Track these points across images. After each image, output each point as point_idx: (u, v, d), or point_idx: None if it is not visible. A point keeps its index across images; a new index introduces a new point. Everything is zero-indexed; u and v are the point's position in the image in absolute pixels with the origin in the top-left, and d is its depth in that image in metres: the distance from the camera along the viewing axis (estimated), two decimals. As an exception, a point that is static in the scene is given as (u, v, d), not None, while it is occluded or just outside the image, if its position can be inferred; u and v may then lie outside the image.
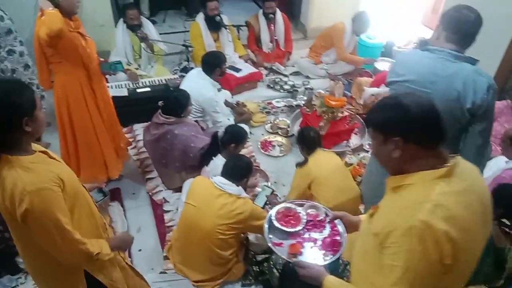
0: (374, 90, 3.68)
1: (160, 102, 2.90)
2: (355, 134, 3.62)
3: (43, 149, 1.45)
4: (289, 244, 1.74)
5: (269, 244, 1.75)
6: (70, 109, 2.56)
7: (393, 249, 1.04)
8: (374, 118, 1.18)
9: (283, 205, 1.96)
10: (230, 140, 2.78)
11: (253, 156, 3.37)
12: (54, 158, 1.46)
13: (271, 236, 1.80)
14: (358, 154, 3.35)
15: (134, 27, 3.89)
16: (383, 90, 3.69)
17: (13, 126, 1.31)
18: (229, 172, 2.31)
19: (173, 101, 2.87)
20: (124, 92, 3.66)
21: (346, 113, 3.44)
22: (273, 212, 1.91)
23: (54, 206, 1.33)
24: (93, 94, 2.61)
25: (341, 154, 3.41)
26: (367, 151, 3.47)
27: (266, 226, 1.85)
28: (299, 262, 1.48)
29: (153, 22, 5.33)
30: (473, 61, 1.69)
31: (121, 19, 3.93)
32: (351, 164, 3.09)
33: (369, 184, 2.17)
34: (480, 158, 1.75)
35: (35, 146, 1.42)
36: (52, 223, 1.33)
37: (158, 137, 2.87)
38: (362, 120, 3.58)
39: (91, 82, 2.57)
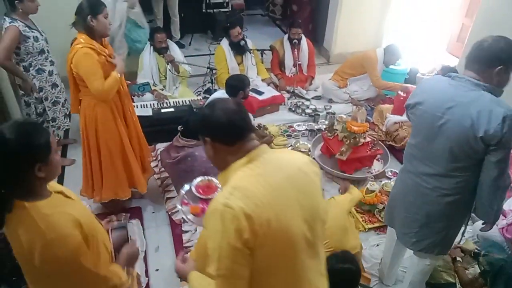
0: (398, 118, 3.65)
1: (180, 126, 2.94)
2: (377, 160, 3.57)
3: (59, 188, 1.41)
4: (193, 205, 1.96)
5: (178, 204, 1.99)
6: (98, 130, 2.57)
7: (207, 234, 1.17)
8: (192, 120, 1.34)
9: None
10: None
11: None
12: (70, 197, 1.41)
13: (185, 196, 2.02)
14: (380, 181, 3.30)
15: (161, 50, 4.02)
16: (406, 118, 3.66)
17: (25, 172, 1.24)
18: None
19: (193, 125, 2.89)
20: (148, 112, 3.74)
21: (368, 139, 3.41)
22: (197, 180, 2.16)
23: (76, 252, 1.28)
24: (122, 114, 2.66)
25: (362, 181, 3.37)
26: (390, 178, 3.41)
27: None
28: (184, 256, 1.55)
29: (181, 46, 5.54)
30: (494, 91, 1.66)
31: (149, 43, 4.07)
32: (372, 191, 3.03)
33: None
34: (495, 190, 1.71)
35: (51, 185, 1.37)
36: (77, 269, 1.30)
37: (178, 160, 2.90)
38: (384, 147, 3.54)
39: (121, 103, 2.62)
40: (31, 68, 3.12)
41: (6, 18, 2.89)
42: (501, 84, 1.68)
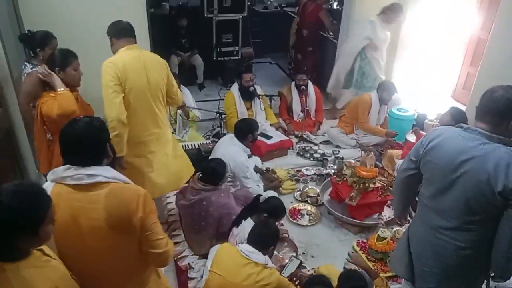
0: (406, 162, 3.62)
1: (198, 174, 2.97)
2: (388, 206, 3.50)
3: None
4: None
5: None
6: None
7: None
8: None
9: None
10: (265, 210, 2.77)
11: (282, 224, 3.29)
12: (49, 255, 1.36)
13: None
14: (392, 228, 3.21)
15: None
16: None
17: (6, 239, 1.19)
18: (255, 239, 2.26)
19: (211, 171, 2.92)
20: (158, 155, 3.77)
21: (378, 185, 3.37)
22: None
23: None
24: None
25: (373, 228, 3.29)
26: (401, 225, 3.32)
27: None
28: None
29: (202, 87, 5.91)
30: (509, 143, 1.64)
31: None
32: (384, 238, 2.95)
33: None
34: None
35: None
36: None
37: (194, 203, 2.88)
38: (394, 192, 3.48)
39: None
40: None
41: (27, 64, 2.94)
42: None
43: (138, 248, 1.58)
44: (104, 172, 1.51)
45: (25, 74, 2.94)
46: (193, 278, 2.77)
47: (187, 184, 3.03)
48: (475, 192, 1.64)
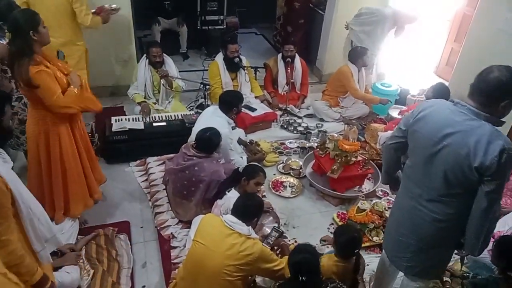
0: (390, 133, 3.67)
1: (193, 142, 2.99)
2: (368, 179, 3.59)
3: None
4: None
5: None
6: (62, 146, 2.46)
7: None
8: None
9: None
10: (243, 174, 2.80)
11: (264, 195, 3.34)
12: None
13: None
14: (371, 200, 3.30)
15: (156, 64, 4.02)
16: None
17: None
18: (239, 211, 2.27)
19: (207, 141, 2.94)
20: (140, 126, 3.72)
21: (360, 158, 3.42)
22: None
23: None
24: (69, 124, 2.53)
25: (353, 200, 3.37)
26: (380, 198, 3.41)
27: None
28: None
29: (186, 57, 5.80)
30: (496, 122, 1.65)
31: (144, 56, 4.08)
32: (363, 210, 3.03)
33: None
34: (483, 220, 1.69)
35: None
36: None
37: (185, 167, 2.93)
38: (376, 166, 3.56)
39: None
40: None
41: None
42: (503, 116, 1.68)
43: None
44: None
45: None
46: (175, 247, 2.80)
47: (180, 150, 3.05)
48: (454, 165, 1.67)
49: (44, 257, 1.75)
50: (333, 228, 3.10)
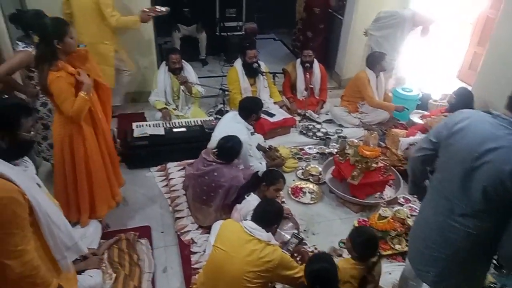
0: (411, 139, 3.63)
1: (215, 150, 3.02)
2: (390, 186, 3.53)
3: None
4: None
5: None
6: (86, 147, 2.51)
7: None
8: None
9: None
10: (262, 179, 2.81)
11: (284, 201, 3.32)
12: None
13: None
14: (392, 207, 3.24)
15: (175, 71, 4.08)
16: (420, 137, 3.64)
17: None
18: (259, 217, 2.27)
19: (229, 150, 2.97)
20: (160, 131, 3.77)
21: (380, 164, 3.38)
22: None
23: None
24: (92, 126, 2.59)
25: (374, 207, 3.32)
26: (402, 205, 3.35)
27: None
28: None
29: (205, 63, 5.88)
30: None
31: (164, 62, 4.14)
32: (385, 217, 2.98)
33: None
34: None
35: None
36: None
37: (205, 173, 2.96)
38: (397, 172, 3.50)
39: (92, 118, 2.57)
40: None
41: (19, 43, 2.87)
42: None
43: None
44: None
45: (16, 51, 2.86)
46: (196, 252, 2.81)
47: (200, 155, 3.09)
48: (496, 182, 1.58)
49: (64, 265, 1.77)
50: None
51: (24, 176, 1.58)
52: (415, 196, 2.29)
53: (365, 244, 2.22)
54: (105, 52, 3.95)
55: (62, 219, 1.76)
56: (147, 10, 3.95)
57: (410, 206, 3.31)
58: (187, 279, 2.62)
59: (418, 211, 2.13)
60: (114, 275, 2.47)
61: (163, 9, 4.00)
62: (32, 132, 1.61)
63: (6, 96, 1.63)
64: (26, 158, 1.69)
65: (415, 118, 4.22)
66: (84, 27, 3.77)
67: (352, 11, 5.01)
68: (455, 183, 1.74)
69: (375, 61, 4.27)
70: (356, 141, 3.82)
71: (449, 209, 1.78)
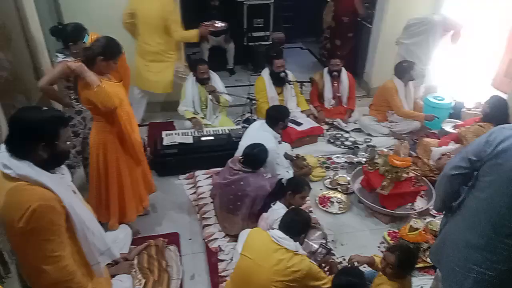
0: (444, 148, 3.53)
1: (241, 157, 3.05)
2: (421, 197, 3.43)
3: None
4: None
5: None
6: (118, 151, 2.61)
7: None
8: None
9: None
10: (288, 187, 2.79)
11: (311, 211, 3.29)
12: None
13: None
14: (424, 219, 3.14)
15: (203, 81, 4.15)
16: (453, 147, 3.53)
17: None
18: (287, 226, 2.26)
19: (255, 157, 2.99)
20: (189, 140, 3.83)
21: (411, 174, 3.29)
22: None
23: None
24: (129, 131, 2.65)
25: (405, 218, 3.23)
26: (434, 216, 3.24)
27: None
28: None
29: (233, 72, 5.98)
30: None
31: (191, 73, 4.22)
32: (416, 229, 2.89)
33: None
34: None
35: None
36: None
37: (231, 182, 2.98)
38: (429, 183, 3.40)
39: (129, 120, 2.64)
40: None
41: (59, 55, 3.00)
42: None
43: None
44: (18, 168, 1.50)
45: (56, 63, 3.00)
46: (223, 260, 2.82)
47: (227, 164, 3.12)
48: None
49: (97, 270, 1.81)
50: (384, 246, 2.98)
51: (61, 184, 1.64)
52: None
53: (411, 261, 2.14)
54: (168, 61, 4.24)
55: (96, 225, 1.81)
56: (207, 24, 4.22)
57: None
58: (214, 286, 2.63)
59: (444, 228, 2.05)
60: (143, 281, 2.51)
61: (222, 24, 4.31)
62: (68, 142, 1.66)
63: (45, 108, 1.66)
64: (62, 166, 1.76)
65: (448, 127, 4.10)
66: (149, 38, 4.07)
67: (381, 20, 4.96)
68: (504, 202, 1.66)
69: (404, 71, 4.20)
70: (386, 150, 3.76)
71: (491, 229, 1.71)
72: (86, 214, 1.74)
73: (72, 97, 3.06)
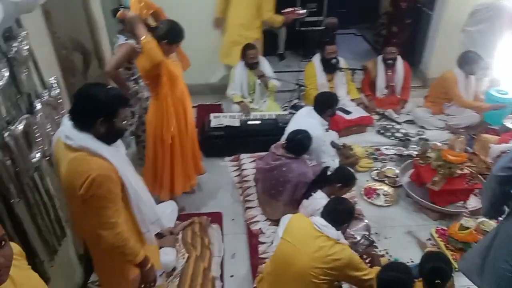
0: (504, 146, 3.30)
1: (284, 142, 3.04)
2: (475, 195, 3.24)
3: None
4: None
5: None
6: (170, 127, 2.73)
7: None
8: None
9: None
10: (337, 179, 2.74)
11: (355, 201, 3.23)
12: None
13: None
14: (477, 218, 2.97)
15: (253, 65, 4.15)
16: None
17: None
18: (329, 215, 2.23)
19: (297, 143, 2.97)
20: (236, 123, 3.88)
21: (466, 171, 3.11)
22: None
23: None
24: (183, 109, 2.81)
25: (455, 216, 3.08)
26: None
27: None
28: None
29: (283, 58, 5.92)
30: None
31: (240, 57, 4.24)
32: (467, 228, 2.75)
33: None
34: None
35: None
36: None
37: (273, 167, 2.99)
38: (484, 181, 3.20)
39: (182, 102, 2.79)
40: (140, 81, 3.26)
41: (120, 36, 3.06)
42: None
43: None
44: (79, 139, 1.58)
45: (118, 45, 3.11)
46: (263, 243, 2.86)
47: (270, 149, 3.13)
48: None
49: (148, 238, 1.90)
50: (431, 244, 2.87)
51: (117, 156, 1.72)
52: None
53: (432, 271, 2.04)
54: (251, 37, 4.29)
55: (148, 195, 1.90)
56: (289, 11, 4.29)
57: (497, 219, 3.01)
58: (253, 267, 2.68)
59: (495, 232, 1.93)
60: (186, 255, 2.62)
61: (304, 11, 4.40)
62: (125, 122, 1.73)
63: (110, 86, 1.74)
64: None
65: (510, 124, 3.81)
66: (239, 11, 4.24)
67: (443, 6, 4.65)
68: None
69: (469, 61, 3.93)
70: (440, 144, 3.58)
71: None
72: (139, 185, 1.82)
73: (131, 78, 3.20)
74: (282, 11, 4.26)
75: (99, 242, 1.68)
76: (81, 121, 1.61)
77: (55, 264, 2.10)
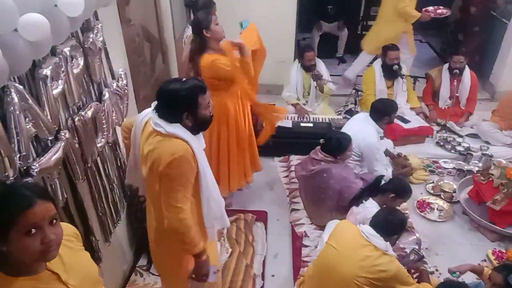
0: None
1: (322, 140, 2.98)
2: (542, 220, 2.98)
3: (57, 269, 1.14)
4: None
5: None
6: (229, 124, 2.78)
7: None
8: None
9: None
10: (393, 189, 2.64)
11: (407, 214, 3.10)
12: (66, 284, 1.13)
13: None
14: (541, 244, 2.74)
15: (309, 68, 4.12)
16: None
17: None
18: (379, 225, 2.16)
19: (335, 142, 2.91)
20: (288, 124, 3.88)
21: (533, 193, 2.87)
22: None
23: None
24: (242, 107, 2.85)
25: (517, 239, 2.86)
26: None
27: None
28: None
29: (344, 61, 5.83)
30: None
31: (297, 59, 4.22)
32: (530, 255, 2.54)
33: None
34: None
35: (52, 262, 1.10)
36: None
37: (314, 174, 2.93)
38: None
39: (241, 101, 2.84)
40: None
41: (190, 27, 3.15)
42: None
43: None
44: (168, 127, 1.65)
45: (187, 37, 3.23)
46: (307, 246, 2.84)
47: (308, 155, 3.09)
48: None
49: (211, 234, 1.93)
50: (485, 266, 2.68)
51: (199, 147, 1.76)
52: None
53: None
54: (396, 32, 4.38)
55: (217, 191, 1.91)
56: (430, 10, 4.34)
57: None
58: (295, 269, 2.67)
59: None
60: (230, 250, 2.67)
61: (446, 10, 4.37)
62: (209, 107, 1.75)
63: (185, 78, 1.79)
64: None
65: None
66: (384, 4, 4.41)
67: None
68: None
69: None
70: (505, 162, 3.33)
71: None
72: (211, 179, 1.85)
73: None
74: (424, 9, 4.22)
75: (163, 223, 1.72)
76: (168, 117, 1.67)
77: (108, 245, 2.23)
